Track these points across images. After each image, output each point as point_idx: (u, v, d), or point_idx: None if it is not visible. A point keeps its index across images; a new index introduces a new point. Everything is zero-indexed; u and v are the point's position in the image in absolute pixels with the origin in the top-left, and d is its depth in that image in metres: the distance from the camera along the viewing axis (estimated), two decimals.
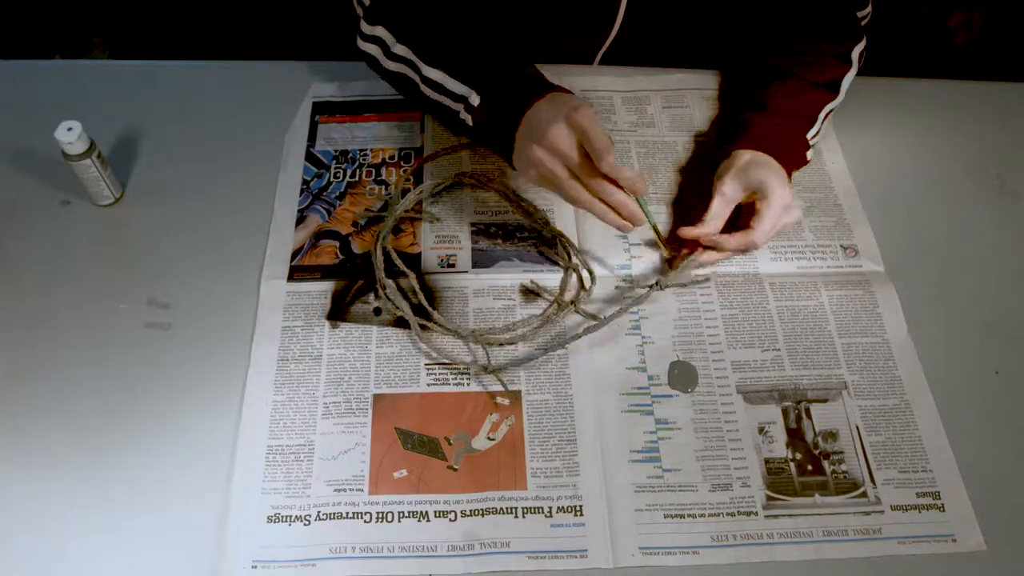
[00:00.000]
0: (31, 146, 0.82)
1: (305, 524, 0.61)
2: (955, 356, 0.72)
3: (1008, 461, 0.66)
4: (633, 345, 0.71)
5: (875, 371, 0.70)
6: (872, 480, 0.65)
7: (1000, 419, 0.68)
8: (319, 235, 0.76)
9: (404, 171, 0.82)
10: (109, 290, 0.73)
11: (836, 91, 0.81)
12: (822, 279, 0.75)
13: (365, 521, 0.61)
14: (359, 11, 0.78)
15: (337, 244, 0.76)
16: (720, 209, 0.73)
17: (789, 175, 0.75)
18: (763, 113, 0.78)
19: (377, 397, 0.67)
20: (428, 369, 0.69)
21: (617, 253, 0.77)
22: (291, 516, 0.61)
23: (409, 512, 0.61)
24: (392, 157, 0.83)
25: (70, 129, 0.72)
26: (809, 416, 0.68)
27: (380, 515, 0.61)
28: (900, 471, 0.65)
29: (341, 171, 0.81)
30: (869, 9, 0.84)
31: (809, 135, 0.79)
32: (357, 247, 0.76)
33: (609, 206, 0.64)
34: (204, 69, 0.91)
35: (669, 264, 0.75)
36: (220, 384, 0.67)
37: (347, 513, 0.61)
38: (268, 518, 0.61)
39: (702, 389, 0.69)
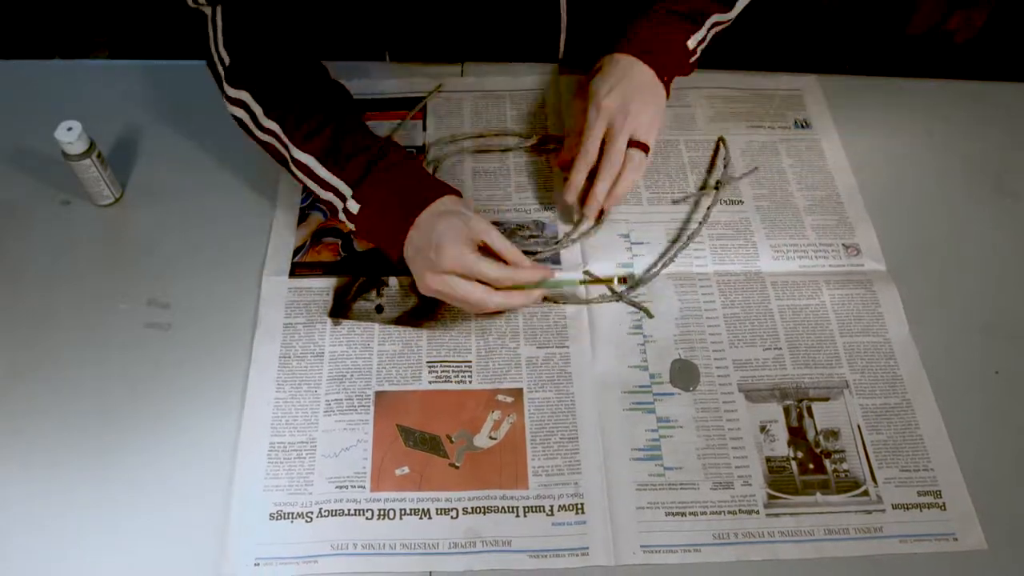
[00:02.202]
0: (31, 146, 0.82)
1: (307, 521, 0.61)
2: (955, 356, 0.71)
3: (1009, 460, 0.66)
4: (635, 344, 0.71)
5: (876, 370, 0.70)
6: (873, 479, 0.65)
7: (1001, 419, 0.68)
8: (320, 233, 0.76)
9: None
10: (109, 290, 0.73)
11: (730, 5, 0.80)
12: (824, 278, 0.75)
13: (367, 518, 0.61)
14: (219, 69, 0.73)
15: (339, 242, 0.76)
16: (596, 131, 0.73)
17: (665, 77, 0.75)
18: (639, 20, 0.78)
19: (379, 394, 0.67)
20: (430, 367, 0.69)
21: (619, 251, 0.77)
22: (293, 513, 0.61)
23: (411, 509, 0.62)
24: None
25: (70, 129, 0.72)
26: (811, 415, 0.68)
27: (382, 512, 0.61)
28: (901, 470, 0.65)
29: None
30: None
31: (693, 39, 0.78)
32: (359, 245, 0.76)
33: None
34: (204, 69, 0.91)
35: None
36: (220, 383, 0.68)
37: (349, 510, 0.61)
38: (270, 515, 0.61)
39: (704, 387, 0.69)
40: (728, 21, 0.82)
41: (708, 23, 0.79)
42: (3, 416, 0.66)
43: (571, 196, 0.74)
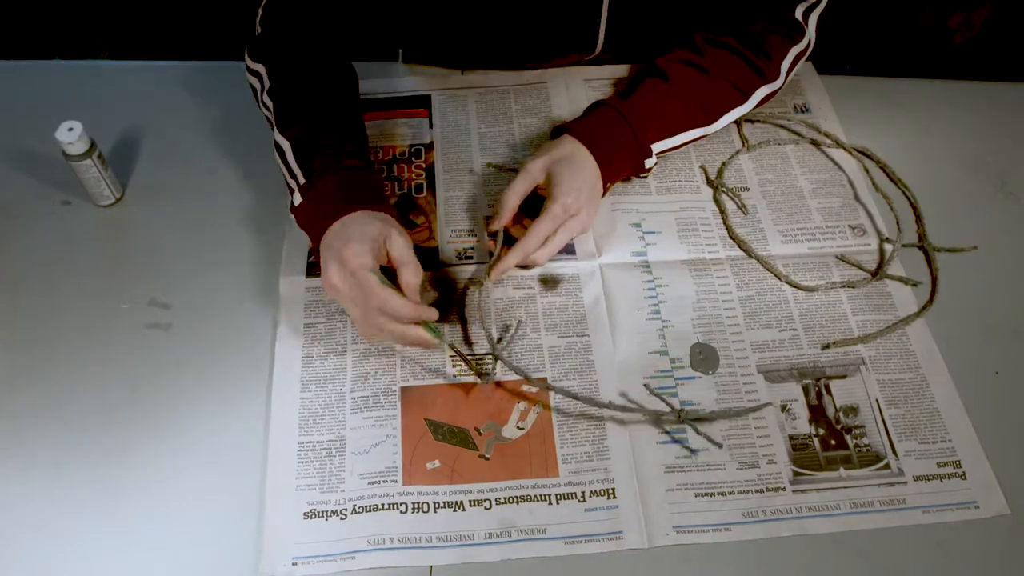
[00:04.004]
0: (31, 146, 0.82)
1: (342, 518, 0.61)
2: (955, 357, 0.72)
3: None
4: (654, 330, 0.72)
5: (890, 346, 0.72)
6: (894, 452, 0.66)
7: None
8: None
9: (416, 166, 0.82)
10: (110, 290, 0.73)
11: (713, 118, 0.79)
12: (832, 259, 0.77)
13: (401, 512, 0.61)
14: (253, 36, 0.78)
15: None
16: (519, 185, 0.72)
17: (608, 176, 0.74)
18: (610, 107, 0.76)
19: (404, 390, 0.67)
20: (453, 361, 0.69)
21: (632, 240, 0.77)
22: (327, 511, 0.61)
23: (444, 502, 0.62)
24: (403, 154, 0.83)
25: (70, 129, 0.72)
26: (829, 392, 0.69)
27: (416, 505, 0.62)
28: (920, 442, 0.67)
29: None
30: (802, 46, 0.81)
31: (657, 148, 0.77)
32: None
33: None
34: (204, 69, 0.91)
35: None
36: (221, 383, 0.68)
37: (383, 505, 0.61)
38: (304, 514, 0.61)
39: (724, 370, 0.70)
40: (706, 135, 0.81)
41: (684, 137, 0.78)
42: (4, 416, 0.65)
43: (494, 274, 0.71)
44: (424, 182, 0.81)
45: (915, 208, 0.81)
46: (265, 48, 0.76)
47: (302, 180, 0.68)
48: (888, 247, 0.78)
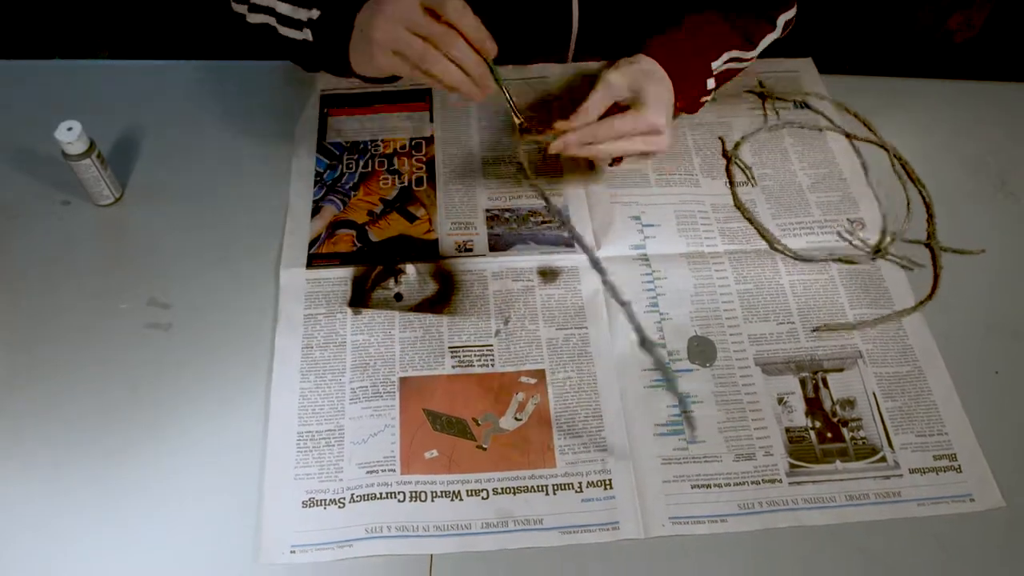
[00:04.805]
0: (31, 146, 0.81)
1: (340, 507, 0.61)
2: (953, 353, 0.72)
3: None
4: (652, 322, 0.72)
5: (887, 340, 0.72)
6: (890, 445, 0.66)
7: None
8: (335, 225, 0.77)
9: (417, 159, 0.83)
10: (109, 290, 0.72)
11: (752, 45, 0.82)
12: (829, 253, 0.77)
13: (399, 501, 0.62)
14: None
15: (354, 233, 0.76)
16: (600, 97, 0.71)
17: (677, 107, 0.75)
18: (674, 31, 0.78)
19: (403, 380, 0.68)
20: (452, 352, 0.69)
21: (631, 233, 0.78)
22: (326, 500, 0.62)
23: (442, 492, 0.62)
24: (403, 147, 0.83)
25: (70, 129, 0.71)
26: (826, 385, 0.70)
27: (413, 494, 0.62)
28: (917, 435, 0.67)
29: (353, 162, 0.82)
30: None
31: (712, 69, 0.78)
32: (374, 236, 0.76)
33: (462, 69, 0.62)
34: (204, 69, 0.91)
35: (522, 133, 0.72)
36: (222, 383, 0.67)
37: (381, 494, 0.62)
38: (303, 503, 0.62)
39: (721, 363, 0.70)
40: (748, 61, 0.83)
41: (727, 56, 0.80)
42: (4, 416, 0.65)
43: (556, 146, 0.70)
44: (424, 175, 0.81)
45: (929, 206, 0.81)
46: None
47: (315, 7, 0.69)
48: (891, 230, 0.78)
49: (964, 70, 1.01)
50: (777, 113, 0.88)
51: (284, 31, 0.73)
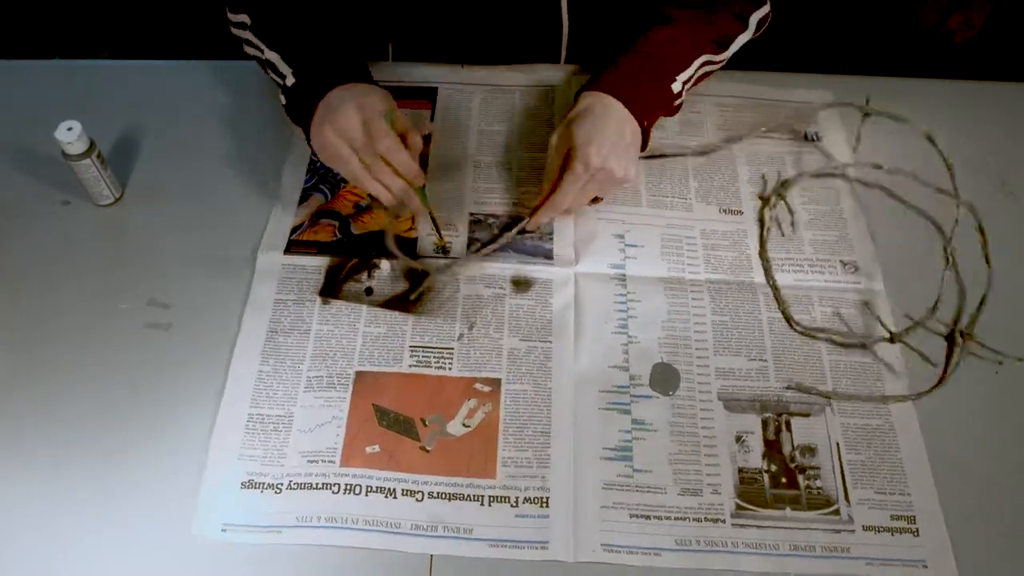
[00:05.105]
0: (31, 146, 0.82)
1: (276, 492, 0.62)
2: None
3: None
4: (618, 343, 0.71)
5: (861, 390, 0.69)
6: (847, 498, 0.64)
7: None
8: (319, 214, 0.78)
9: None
10: (109, 290, 0.73)
11: (723, 48, 0.81)
12: (818, 293, 0.75)
13: (333, 492, 0.62)
14: None
15: (336, 224, 0.77)
16: (550, 164, 0.73)
17: (642, 115, 0.73)
18: (627, 55, 0.76)
19: (359, 374, 0.68)
20: (412, 351, 0.70)
21: (612, 252, 0.77)
22: (264, 483, 0.63)
23: (377, 487, 0.62)
24: None
25: (70, 129, 0.72)
26: (789, 429, 0.67)
27: (348, 487, 0.62)
28: (877, 492, 0.64)
29: None
30: None
31: (678, 81, 0.76)
32: (356, 229, 0.77)
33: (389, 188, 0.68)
34: (204, 69, 0.92)
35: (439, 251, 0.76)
36: (220, 384, 0.67)
37: (317, 484, 0.62)
38: (242, 484, 0.63)
39: (683, 393, 0.69)
40: (720, 63, 0.82)
41: (697, 63, 0.78)
42: (4, 416, 0.66)
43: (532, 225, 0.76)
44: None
45: (984, 297, 0.74)
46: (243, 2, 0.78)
47: (291, 71, 0.73)
48: (918, 313, 0.73)
49: (964, 70, 0.98)
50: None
51: (270, 74, 0.77)
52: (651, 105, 0.75)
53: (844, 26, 1.51)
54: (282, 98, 0.74)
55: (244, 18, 0.78)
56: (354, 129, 0.66)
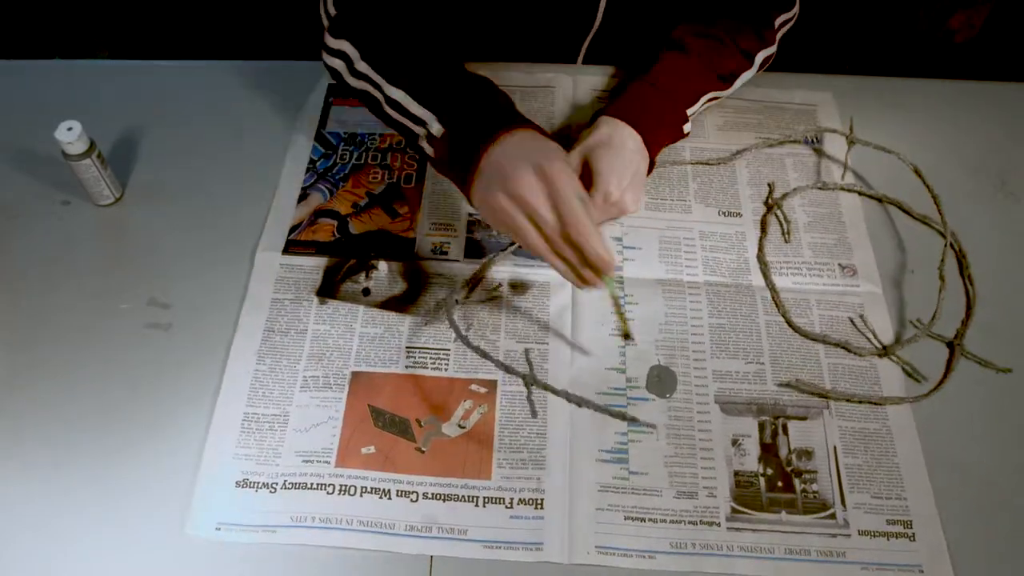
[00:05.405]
0: (31, 146, 0.82)
1: (271, 491, 0.62)
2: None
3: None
4: (615, 346, 0.71)
5: (859, 393, 0.69)
6: (843, 503, 0.64)
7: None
8: (318, 213, 0.78)
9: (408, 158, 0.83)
10: (109, 290, 0.73)
11: (729, 83, 0.81)
12: (816, 297, 0.74)
13: (328, 492, 0.62)
14: (325, 22, 0.75)
15: (335, 223, 0.77)
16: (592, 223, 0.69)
17: (654, 147, 0.73)
18: (642, 82, 0.77)
19: (355, 375, 0.68)
20: (408, 352, 0.70)
21: None
22: (259, 483, 0.63)
23: (372, 488, 0.62)
24: (399, 143, 0.84)
25: (70, 129, 0.72)
26: (786, 432, 0.67)
27: (343, 488, 0.62)
28: (873, 496, 0.64)
29: (348, 153, 0.83)
30: (790, 15, 0.85)
31: (688, 115, 0.78)
32: (355, 228, 0.77)
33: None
34: (204, 69, 0.92)
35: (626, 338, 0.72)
36: (220, 385, 0.67)
37: (312, 484, 0.62)
38: (237, 483, 0.63)
39: (679, 395, 0.69)
40: (722, 98, 0.83)
41: (705, 98, 0.80)
42: (4, 416, 0.66)
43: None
44: (414, 173, 0.82)
45: (971, 305, 0.74)
46: (346, 23, 0.73)
47: (434, 116, 0.64)
48: (912, 330, 0.72)
49: (964, 70, 0.98)
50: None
51: (391, 113, 0.70)
52: (663, 137, 0.76)
53: (844, 26, 1.52)
54: (426, 148, 0.66)
55: (347, 46, 0.72)
56: (538, 203, 0.57)
